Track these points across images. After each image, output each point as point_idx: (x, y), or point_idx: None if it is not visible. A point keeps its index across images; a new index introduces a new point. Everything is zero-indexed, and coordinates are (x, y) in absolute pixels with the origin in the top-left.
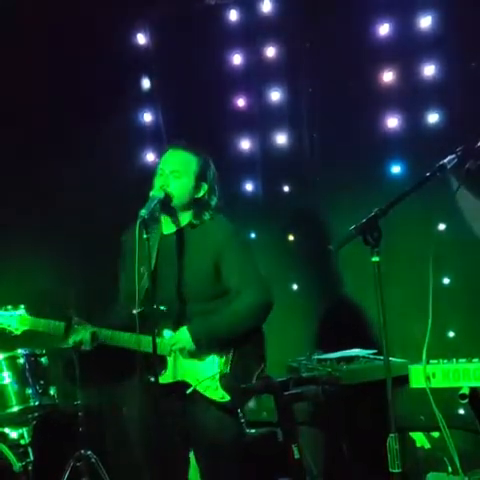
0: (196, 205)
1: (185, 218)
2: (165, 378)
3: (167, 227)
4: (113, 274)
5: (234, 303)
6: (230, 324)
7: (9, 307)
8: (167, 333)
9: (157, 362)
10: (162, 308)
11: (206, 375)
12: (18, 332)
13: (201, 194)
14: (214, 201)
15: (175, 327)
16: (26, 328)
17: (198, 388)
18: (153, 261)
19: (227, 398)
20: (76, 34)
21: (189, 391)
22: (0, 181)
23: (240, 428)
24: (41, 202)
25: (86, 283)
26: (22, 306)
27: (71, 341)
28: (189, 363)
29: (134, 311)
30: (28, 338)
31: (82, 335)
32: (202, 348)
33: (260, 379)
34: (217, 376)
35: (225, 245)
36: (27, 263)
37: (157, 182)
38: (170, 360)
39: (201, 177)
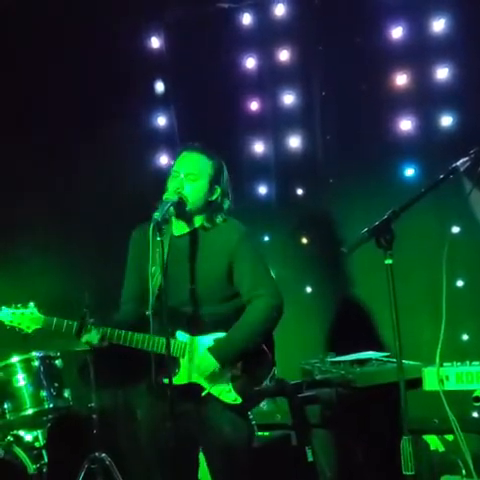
0: (209, 208)
1: (197, 221)
2: (178, 380)
3: (178, 229)
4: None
5: (249, 312)
6: (249, 335)
7: (19, 305)
8: (180, 334)
9: (170, 364)
10: (175, 309)
11: (219, 377)
12: (29, 331)
13: (214, 197)
14: (227, 204)
15: (187, 328)
16: (38, 327)
17: (212, 391)
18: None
19: (239, 401)
20: (90, 37)
21: (204, 394)
22: (14, 183)
23: (252, 430)
24: (54, 204)
25: (100, 283)
26: (32, 304)
27: (83, 341)
28: None
29: (147, 312)
30: (42, 338)
31: (94, 335)
32: (228, 365)
33: (274, 381)
34: (230, 378)
35: (238, 248)
36: (41, 264)
37: (171, 185)
38: (183, 362)
39: (215, 180)
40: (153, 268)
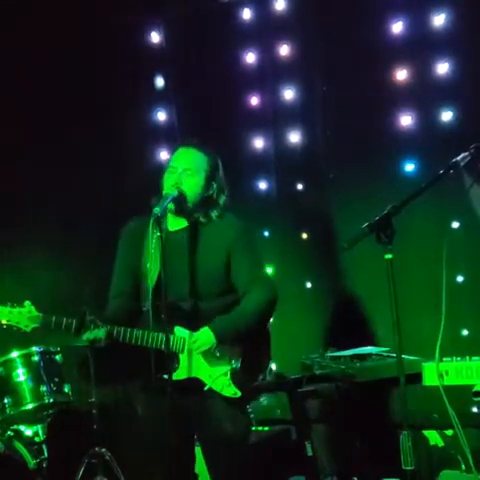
0: (205, 203)
1: (194, 216)
2: (178, 375)
3: (173, 224)
4: None
5: (246, 301)
6: (247, 320)
7: (15, 304)
8: (178, 330)
9: (169, 359)
10: (173, 305)
11: (218, 371)
12: (28, 329)
13: (211, 193)
14: (222, 200)
15: (186, 324)
16: (37, 325)
17: (213, 386)
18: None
19: (239, 394)
20: (91, 33)
21: (206, 388)
22: (16, 181)
23: (250, 424)
24: (56, 201)
25: (100, 280)
26: (28, 302)
27: (85, 338)
28: (201, 359)
29: (144, 308)
30: (42, 334)
31: (96, 333)
32: (225, 346)
33: (272, 376)
34: (229, 372)
35: (236, 243)
36: (42, 262)
37: (168, 180)
38: (183, 357)
39: (211, 176)
40: (148, 264)
